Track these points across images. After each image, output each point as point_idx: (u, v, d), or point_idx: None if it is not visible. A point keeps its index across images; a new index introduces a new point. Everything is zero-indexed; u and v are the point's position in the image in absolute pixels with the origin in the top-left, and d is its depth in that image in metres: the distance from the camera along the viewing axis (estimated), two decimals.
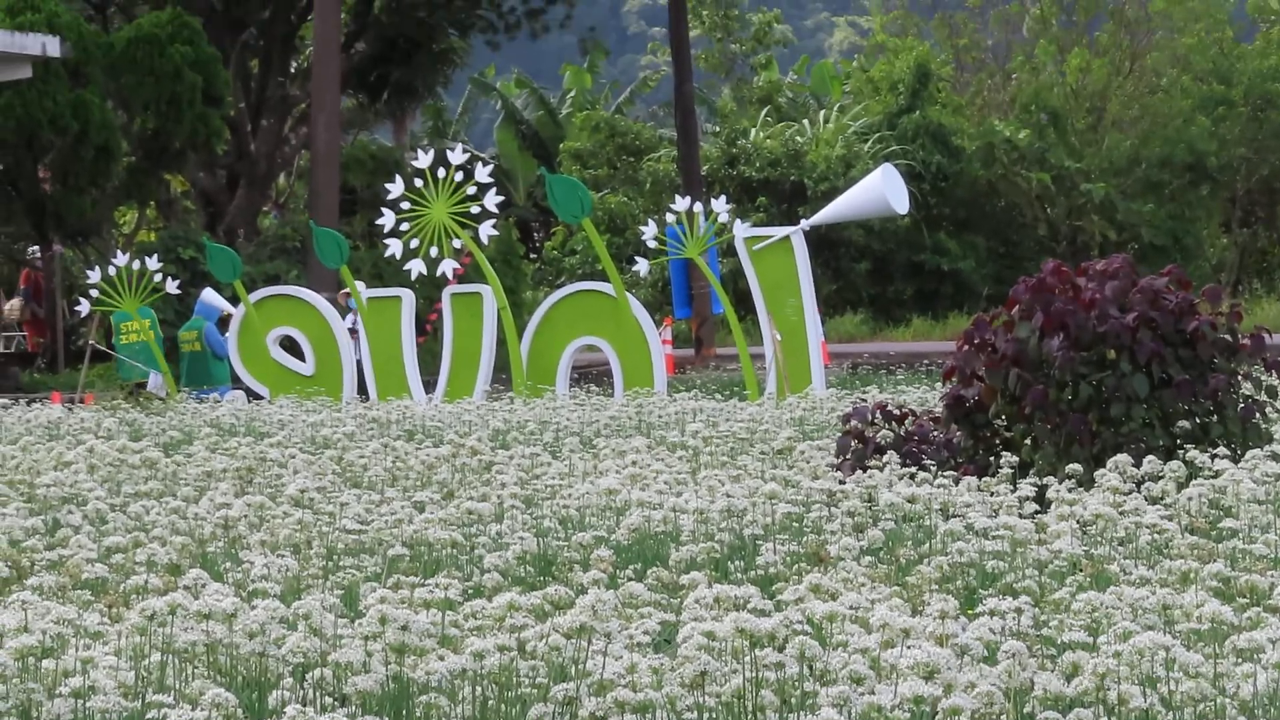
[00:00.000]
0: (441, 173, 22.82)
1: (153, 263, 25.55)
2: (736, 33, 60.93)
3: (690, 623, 5.36)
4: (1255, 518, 8.63)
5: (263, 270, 35.59)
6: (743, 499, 9.03)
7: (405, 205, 23.03)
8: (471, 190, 22.68)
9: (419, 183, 22.94)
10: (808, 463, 11.59)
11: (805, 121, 53.88)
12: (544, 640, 5.41)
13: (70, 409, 19.03)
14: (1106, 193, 49.54)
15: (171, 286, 25.76)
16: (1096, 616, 6.03)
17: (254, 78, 44.76)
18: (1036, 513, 8.70)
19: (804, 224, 22.80)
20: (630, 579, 7.66)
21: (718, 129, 54.04)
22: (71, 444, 14.02)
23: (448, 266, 22.87)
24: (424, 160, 23.03)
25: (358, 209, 43.36)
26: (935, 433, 11.37)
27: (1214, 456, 9.95)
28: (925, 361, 28.57)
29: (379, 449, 12.69)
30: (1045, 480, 9.60)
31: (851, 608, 5.71)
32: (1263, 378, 11.23)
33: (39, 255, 39.20)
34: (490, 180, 22.65)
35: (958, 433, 11.19)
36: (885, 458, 10.81)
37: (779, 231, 22.80)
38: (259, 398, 22.77)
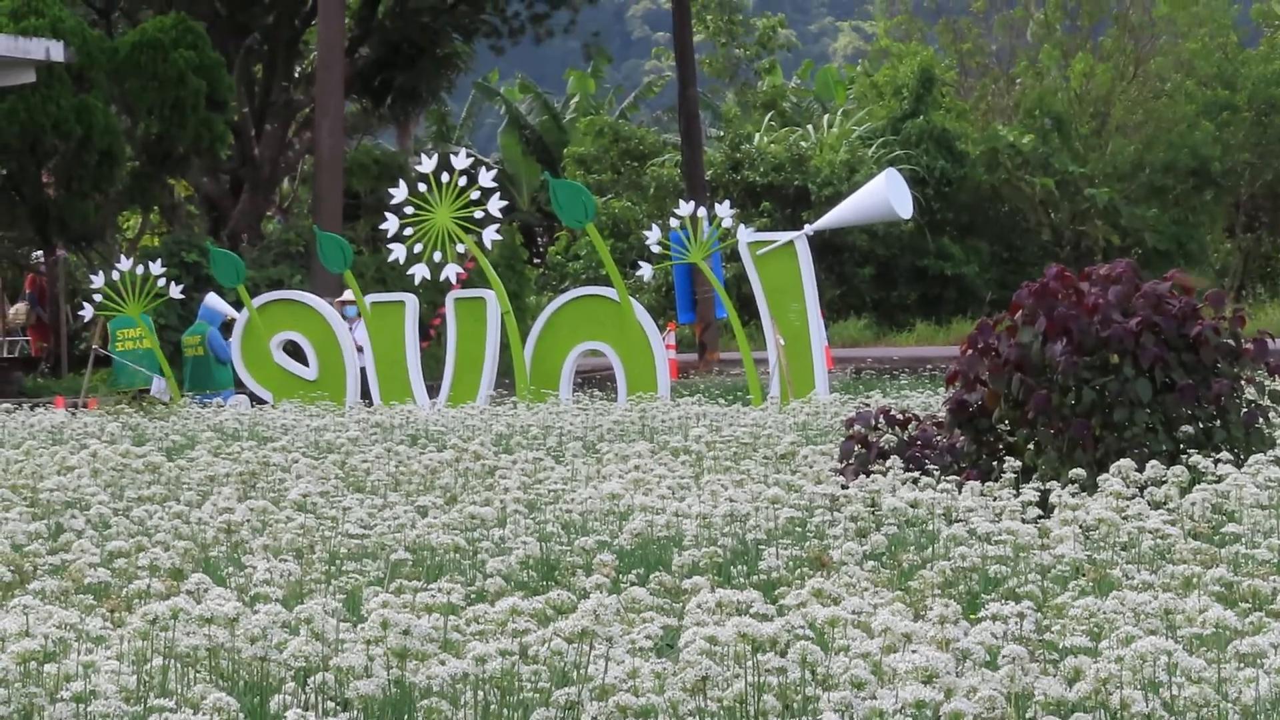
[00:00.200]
0: (445, 178, 22.81)
1: (156, 267, 25.57)
2: (740, 38, 60.91)
3: (692, 627, 5.36)
4: (1258, 522, 8.63)
5: (266, 275, 35.57)
6: (745, 504, 9.04)
7: (409, 210, 23.03)
8: (475, 195, 22.69)
9: (423, 187, 22.94)
10: (811, 467, 11.59)
11: (809, 126, 53.88)
12: (546, 645, 5.40)
13: (74, 413, 19.05)
14: (1110, 198, 49.50)
15: (175, 291, 25.76)
16: (1099, 621, 6.04)
17: (258, 82, 44.75)
18: (1039, 517, 8.71)
19: (808, 229, 22.80)
20: (633, 583, 7.68)
21: (722, 134, 54.05)
22: (75, 448, 14.04)
23: (451, 271, 22.86)
24: (428, 165, 23.03)
25: (361, 214, 43.33)
26: (938, 437, 11.36)
27: (1217, 461, 9.96)
28: (928, 366, 28.58)
29: (382, 454, 12.69)
30: (1048, 485, 9.61)
31: (854, 612, 5.70)
32: (1266, 382, 11.24)
33: (43, 260, 39.19)
34: (494, 185, 22.64)
35: (961, 437, 11.18)
36: (888, 462, 10.82)
37: (783, 236, 22.81)
38: (262, 402, 22.78)
